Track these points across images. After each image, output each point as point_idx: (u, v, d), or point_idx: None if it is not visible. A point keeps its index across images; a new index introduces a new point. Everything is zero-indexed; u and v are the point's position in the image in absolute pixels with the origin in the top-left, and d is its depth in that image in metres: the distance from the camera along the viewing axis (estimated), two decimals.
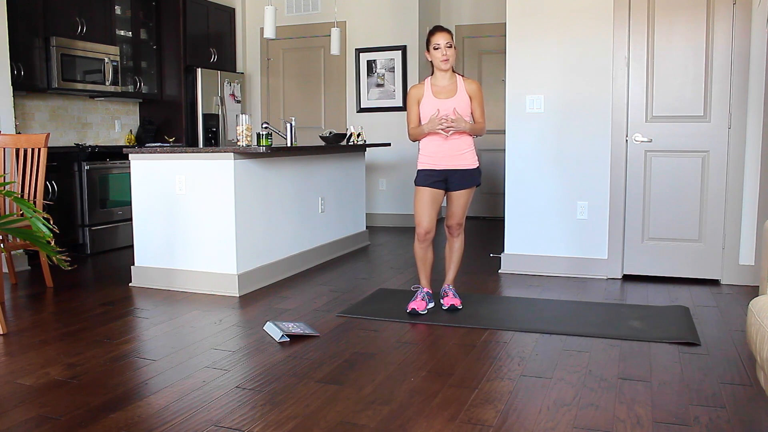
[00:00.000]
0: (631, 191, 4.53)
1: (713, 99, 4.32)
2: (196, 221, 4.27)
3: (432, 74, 3.67)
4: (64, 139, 6.09)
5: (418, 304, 3.68)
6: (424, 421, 2.33)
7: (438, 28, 3.60)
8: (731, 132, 4.31)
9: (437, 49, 3.55)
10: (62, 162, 5.42)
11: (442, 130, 3.52)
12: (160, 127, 6.99)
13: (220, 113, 7.26)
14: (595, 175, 4.60)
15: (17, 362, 2.98)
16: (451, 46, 3.55)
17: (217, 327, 3.51)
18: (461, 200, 3.69)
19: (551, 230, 4.73)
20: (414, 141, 3.74)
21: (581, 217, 4.65)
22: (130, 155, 4.46)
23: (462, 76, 3.68)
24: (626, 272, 4.60)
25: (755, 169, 4.29)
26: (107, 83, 6.09)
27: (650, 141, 4.47)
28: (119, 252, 5.74)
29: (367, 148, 6.21)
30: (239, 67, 7.88)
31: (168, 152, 4.31)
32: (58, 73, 5.58)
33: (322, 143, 5.45)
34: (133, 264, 4.51)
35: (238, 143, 4.28)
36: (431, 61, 3.62)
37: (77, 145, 5.85)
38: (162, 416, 2.40)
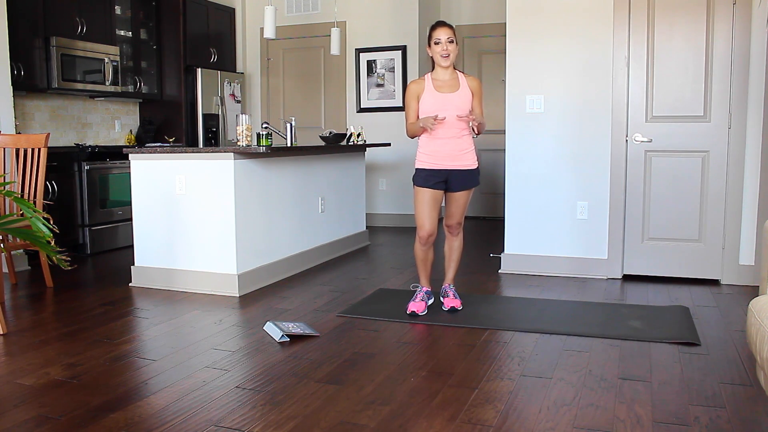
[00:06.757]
0: (631, 191, 4.53)
1: (713, 99, 4.32)
2: (196, 221, 4.27)
3: (432, 70, 3.65)
4: (64, 139, 6.09)
5: (418, 306, 3.67)
6: (424, 421, 2.33)
7: (440, 23, 3.57)
8: (731, 132, 4.31)
9: (438, 43, 3.52)
10: (62, 162, 5.42)
11: (430, 127, 3.44)
12: (160, 127, 6.99)
13: (220, 113, 7.26)
14: (595, 175, 4.60)
15: (17, 362, 2.98)
16: (452, 42, 3.51)
17: (217, 327, 3.51)
18: (461, 200, 3.68)
19: (551, 230, 4.73)
20: (412, 137, 3.69)
21: (581, 217, 4.65)
22: (130, 155, 4.46)
23: (462, 72, 3.67)
24: (626, 272, 4.60)
25: (755, 169, 4.29)
26: (107, 83, 6.09)
27: (650, 141, 4.47)
28: (119, 252, 5.74)
29: (367, 148, 6.21)
30: (239, 67, 7.88)
31: (168, 152, 4.31)
32: (58, 73, 5.58)
33: (322, 143, 5.45)
34: (133, 264, 4.51)
35: (238, 143, 4.28)
36: (432, 57, 3.59)
37: (77, 145, 5.85)
38: (162, 416, 2.40)
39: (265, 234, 4.48)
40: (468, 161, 3.61)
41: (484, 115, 3.71)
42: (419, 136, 3.63)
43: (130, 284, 4.49)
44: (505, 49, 4.79)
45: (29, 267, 5.03)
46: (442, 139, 3.55)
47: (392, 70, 7.31)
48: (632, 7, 4.43)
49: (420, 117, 3.59)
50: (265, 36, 5.72)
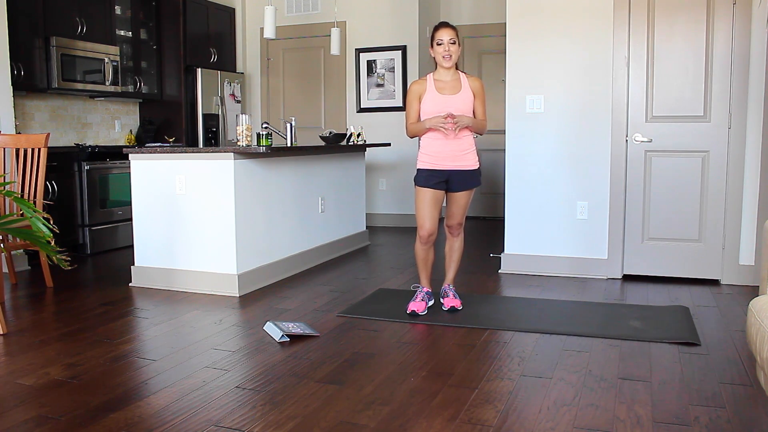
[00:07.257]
0: (631, 191, 4.53)
1: (713, 99, 4.32)
2: (196, 221, 4.27)
3: (435, 70, 3.66)
4: (64, 139, 6.09)
5: (418, 306, 3.68)
6: (424, 421, 2.33)
7: (443, 24, 3.58)
8: (731, 132, 4.31)
9: (440, 44, 3.53)
10: (62, 162, 5.42)
11: (443, 127, 3.49)
12: (160, 127, 6.99)
13: (220, 113, 7.26)
14: (595, 175, 4.60)
15: (17, 362, 2.98)
16: (454, 43, 3.53)
17: (217, 327, 3.52)
18: (462, 201, 3.68)
19: (551, 230, 4.73)
20: (412, 137, 3.71)
21: (581, 217, 4.65)
22: (130, 155, 4.46)
23: (464, 72, 3.67)
24: (626, 272, 4.60)
25: (755, 169, 4.29)
26: (107, 83, 6.09)
27: (650, 141, 4.47)
28: (119, 252, 5.74)
29: (367, 148, 6.21)
30: (239, 67, 7.88)
31: (168, 152, 4.31)
32: (58, 73, 5.58)
33: (322, 143, 5.45)
34: (133, 264, 4.52)
35: (238, 143, 4.28)
36: (434, 57, 3.60)
37: (77, 145, 5.85)
38: (162, 416, 2.40)
39: (265, 234, 4.48)
40: (469, 162, 3.62)
41: (486, 115, 3.71)
42: (420, 136, 3.64)
43: (130, 284, 4.49)
44: (505, 49, 4.79)
45: (29, 267, 5.03)
46: (443, 140, 3.56)
47: (392, 70, 7.31)
48: (632, 7, 4.43)
49: (421, 118, 3.60)
50: (265, 36, 5.71)
